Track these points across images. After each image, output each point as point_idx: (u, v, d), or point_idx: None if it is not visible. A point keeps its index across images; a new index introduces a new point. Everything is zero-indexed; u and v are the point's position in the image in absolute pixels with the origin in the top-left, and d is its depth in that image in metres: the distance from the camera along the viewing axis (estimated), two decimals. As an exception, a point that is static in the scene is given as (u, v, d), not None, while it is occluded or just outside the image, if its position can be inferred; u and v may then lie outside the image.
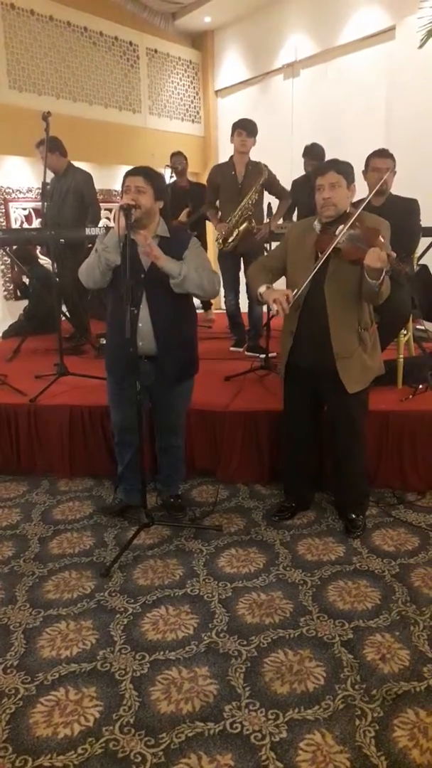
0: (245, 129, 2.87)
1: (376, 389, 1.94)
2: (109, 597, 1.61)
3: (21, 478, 2.37)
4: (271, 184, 2.95)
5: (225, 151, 3.07)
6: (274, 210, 2.80)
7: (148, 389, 1.83)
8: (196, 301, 2.02)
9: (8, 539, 1.92)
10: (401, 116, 4.00)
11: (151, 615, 1.54)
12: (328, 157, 2.58)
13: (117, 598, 1.60)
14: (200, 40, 5.61)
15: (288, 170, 3.62)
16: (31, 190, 4.59)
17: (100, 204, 3.39)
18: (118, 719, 1.21)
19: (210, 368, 2.41)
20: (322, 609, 1.55)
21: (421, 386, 2.34)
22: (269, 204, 2.80)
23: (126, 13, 4.90)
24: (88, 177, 3.18)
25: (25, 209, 4.61)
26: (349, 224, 1.60)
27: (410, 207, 2.25)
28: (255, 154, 3.03)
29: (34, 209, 4.62)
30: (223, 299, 3.32)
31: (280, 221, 3.17)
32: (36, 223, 4.58)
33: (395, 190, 2.27)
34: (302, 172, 3.52)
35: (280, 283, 1.87)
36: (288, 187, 3.20)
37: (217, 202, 3.10)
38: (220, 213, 3.08)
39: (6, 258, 4.41)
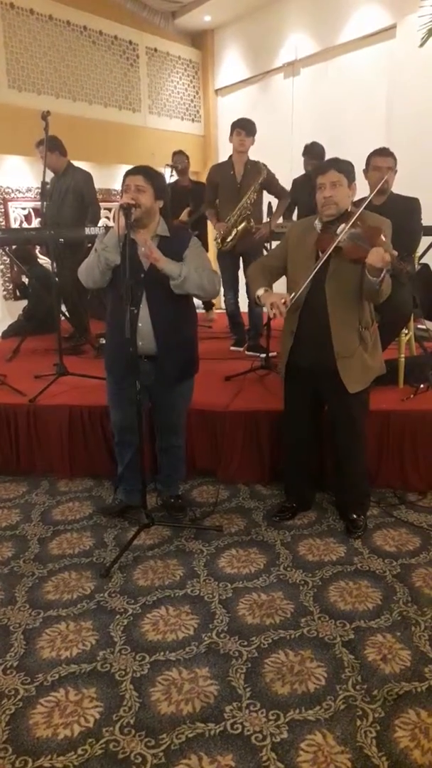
0: (244, 128, 2.87)
1: (377, 389, 1.94)
2: (109, 598, 1.61)
3: (21, 479, 2.37)
4: (270, 184, 2.95)
5: (225, 151, 3.07)
6: (275, 209, 2.80)
7: (148, 389, 1.82)
8: (198, 302, 2.02)
9: (8, 540, 1.92)
10: (402, 115, 4.00)
11: (151, 615, 1.53)
12: (328, 156, 2.56)
13: (117, 599, 1.60)
14: (200, 39, 5.60)
15: (288, 169, 3.62)
16: (30, 190, 4.59)
17: (100, 203, 3.38)
18: (119, 720, 1.20)
19: (210, 368, 2.41)
20: (323, 609, 1.55)
21: (422, 386, 2.34)
22: (269, 203, 2.80)
23: (125, 12, 4.89)
24: (87, 176, 3.18)
25: (24, 209, 4.61)
26: (351, 223, 1.59)
27: (411, 206, 2.24)
28: (255, 154, 3.03)
29: (33, 209, 4.61)
30: (222, 299, 3.31)
31: (280, 220, 3.16)
32: (35, 222, 4.57)
33: (396, 189, 2.27)
34: (302, 171, 3.52)
35: (281, 283, 1.87)
36: (288, 186, 3.20)
37: (217, 202, 3.09)
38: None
39: (5, 258, 4.40)
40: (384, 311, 1.99)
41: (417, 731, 1.17)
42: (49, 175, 3.03)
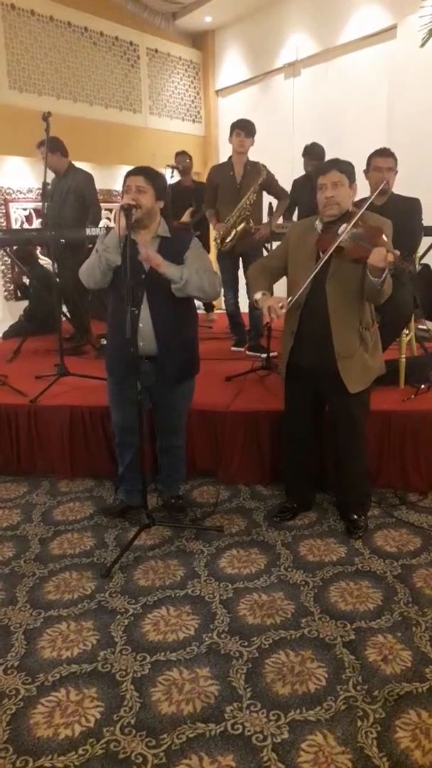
0: (243, 129, 2.88)
1: (378, 389, 1.94)
2: (109, 598, 1.61)
3: (21, 479, 2.37)
4: (270, 184, 2.95)
5: (225, 151, 3.08)
6: (275, 210, 2.80)
7: (149, 390, 1.82)
8: (198, 302, 2.02)
9: (9, 540, 1.92)
10: (402, 115, 4.00)
11: (152, 616, 1.53)
12: (328, 156, 2.57)
13: (118, 599, 1.60)
14: (201, 40, 5.61)
15: (289, 170, 3.63)
16: (31, 191, 4.60)
17: (101, 204, 3.39)
18: (119, 720, 1.21)
19: (211, 368, 2.41)
20: (323, 610, 1.54)
21: (423, 386, 2.34)
22: (270, 204, 2.80)
23: (126, 13, 4.90)
24: (88, 177, 3.18)
25: (25, 210, 4.61)
26: (352, 223, 1.59)
27: (412, 206, 2.24)
28: (256, 154, 3.03)
29: (34, 209, 4.62)
30: (222, 299, 3.32)
31: (280, 221, 3.17)
32: (36, 223, 4.58)
33: (397, 189, 2.27)
34: (303, 172, 3.52)
35: (282, 283, 1.87)
36: (288, 186, 3.20)
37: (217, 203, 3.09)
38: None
39: (6, 258, 4.41)
40: (385, 311, 1.99)
41: (418, 732, 1.16)
42: (50, 176, 3.03)
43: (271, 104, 5.10)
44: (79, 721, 1.20)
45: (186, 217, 3.76)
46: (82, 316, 3.35)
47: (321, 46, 4.52)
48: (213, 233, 3.16)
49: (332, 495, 2.12)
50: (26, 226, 4.58)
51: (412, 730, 1.17)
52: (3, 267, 4.58)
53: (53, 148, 2.97)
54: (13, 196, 4.52)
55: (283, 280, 1.85)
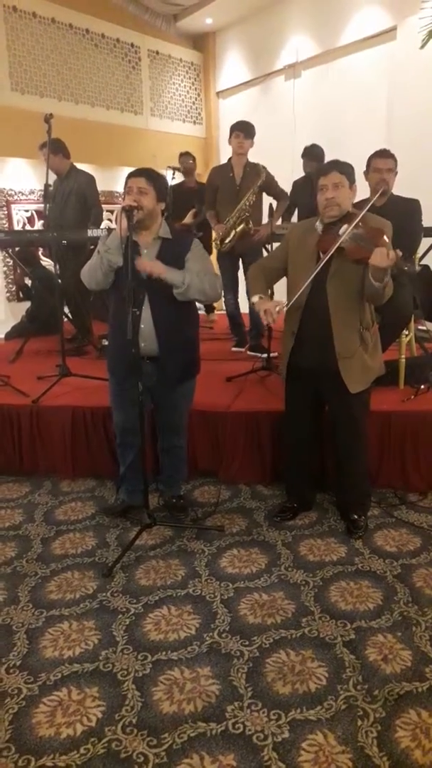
0: (242, 131, 2.89)
1: (378, 389, 1.94)
2: (111, 597, 1.62)
3: (23, 479, 2.38)
4: (269, 186, 2.97)
5: (226, 153, 3.09)
6: (275, 211, 2.81)
7: (150, 390, 1.83)
8: (199, 304, 2.04)
9: (11, 540, 1.93)
10: (402, 117, 4.00)
11: (153, 615, 1.54)
12: (328, 157, 2.58)
13: (119, 599, 1.61)
14: (201, 42, 5.62)
15: (289, 171, 3.63)
16: (33, 192, 4.61)
17: (102, 205, 3.40)
18: (121, 719, 1.21)
19: (211, 369, 2.41)
20: (324, 609, 1.55)
21: (422, 386, 2.34)
22: (270, 205, 2.81)
23: (127, 15, 4.92)
24: (90, 179, 3.19)
25: (27, 211, 4.63)
26: (354, 224, 1.60)
27: (412, 207, 2.25)
28: (257, 155, 3.04)
29: (36, 211, 4.64)
30: (222, 300, 3.32)
31: (278, 222, 3.17)
32: (38, 224, 4.59)
33: (397, 190, 2.27)
34: (303, 173, 3.52)
35: (282, 283, 1.87)
36: (288, 188, 3.21)
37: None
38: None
39: (9, 260, 4.43)
40: (384, 312, 1.99)
41: (418, 731, 1.17)
42: (52, 178, 3.05)
43: (272, 106, 5.11)
44: (81, 720, 1.21)
45: (188, 219, 3.77)
46: (84, 317, 3.36)
47: (321, 48, 4.53)
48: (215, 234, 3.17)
49: (332, 495, 2.13)
50: (28, 227, 4.59)
51: (412, 729, 1.17)
52: (5, 268, 4.60)
53: (55, 149, 2.98)
54: (15, 197, 4.53)
55: (283, 281, 1.86)
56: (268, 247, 2.96)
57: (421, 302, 2.52)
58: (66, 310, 3.25)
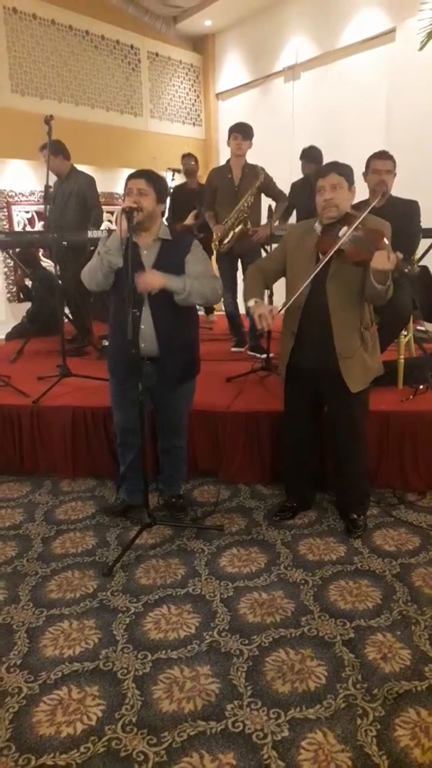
0: (240, 132, 2.91)
1: (377, 390, 1.95)
2: (111, 596, 1.62)
3: (24, 479, 2.38)
4: (268, 187, 2.98)
5: (226, 154, 3.10)
6: (274, 212, 2.82)
7: (150, 390, 1.84)
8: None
9: (11, 539, 1.93)
10: (401, 118, 4.02)
11: (153, 614, 1.54)
12: (327, 159, 2.59)
13: (119, 598, 1.61)
14: (201, 44, 5.65)
15: (288, 173, 3.65)
16: (33, 193, 4.62)
17: (102, 207, 3.41)
18: (121, 718, 1.21)
19: (211, 369, 2.42)
20: (323, 608, 1.55)
21: (421, 387, 2.35)
22: (270, 206, 2.82)
23: (127, 17, 4.94)
24: (90, 180, 3.20)
25: (27, 212, 4.64)
26: (354, 226, 1.60)
27: (411, 208, 2.26)
28: (256, 157, 3.05)
29: (36, 212, 4.65)
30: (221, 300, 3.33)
31: (276, 223, 3.19)
32: (39, 226, 4.61)
33: (396, 191, 2.28)
34: (302, 175, 3.54)
35: (281, 284, 1.88)
36: (287, 189, 3.22)
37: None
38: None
39: (9, 261, 4.44)
40: (383, 313, 2.00)
41: (417, 730, 1.17)
42: (52, 179, 3.06)
43: (271, 107, 5.12)
44: (81, 719, 1.21)
45: (190, 220, 3.78)
46: (84, 318, 3.36)
47: (321, 50, 4.55)
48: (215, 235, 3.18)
49: (332, 494, 2.13)
50: (28, 228, 4.61)
51: (412, 728, 1.18)
52: (6, 269, 4.61)
53: (56, 151, 2.99)
54: (16, 198, 4.55)
55: (282, 281, 1.86)
56: (267, 248, 2.97)
57: (420, 303, 2.52)
58: (66, 310, 3.26)
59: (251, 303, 1.75)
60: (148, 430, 1.88)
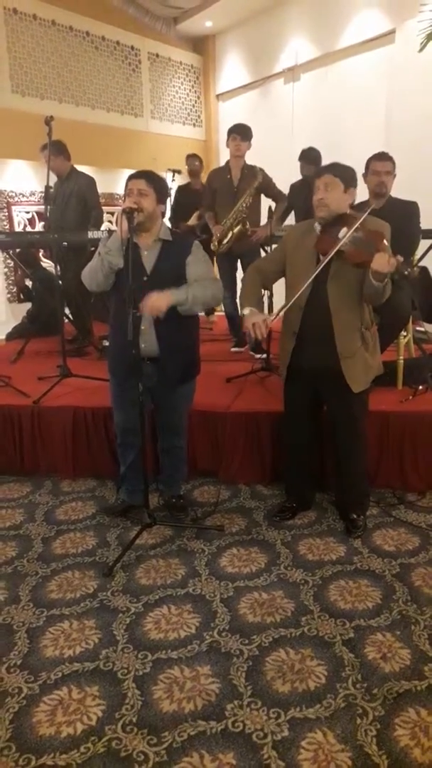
0: (239, 134, 2.93)
1: (376, 390, 1.96)
2: (111, 596, 1.62)
3: (24, 479, 2.38)
4: (267, 187, 2.99)
5: (226, 155, 3.11)
6: (274, 212, 2.83)
7: (151, 391, 1.84)
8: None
9: (12, 539, 1.93)
10: (401, 119, 4.02)
11: (153, 614, 1.54)
12: (327, 160, 2.60)
13: (119, 598, 1.61)
14: (201, 45, 5.65)
15: (287, 174, 3.65)
16: (34, 194, 4.63)
17: (103, 207, 3.42)
18: (121, 718, 1.22)
19: (211, 370, 2.43)
20: (323, 608, 1.56)
21: (421, 387, 2.36)
22: (270, 207, 2.83)
23: (128, 18, 4.95)
24: (90, 181, 3.21)
25: (28, 213, 4.65)
26: (354, 228, 1.60)
27: (410, 210, 2.27)
28: (256, 158, 3.06)
29: (37, 213, 4.65)
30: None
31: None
32: (39, 226, 4.61)
33: (395, 193, 2.29)
34: (301, 176, 3.54)
35: (281, 284, 1.88)
36: (286, 190, 3.23)
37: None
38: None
39: (9, 261, 4.44)
40: (383, 313, 2.00)
41: (417, 730, 1.17)
42: (53, 179, 3.06)
43: (271, 109, 5.13)
44: (81, 719, 1.21)
45: (193, 220, 3.79)
46: (84, 318, 3.37)
47: (320, 51, 4.55)
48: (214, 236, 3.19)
49: (332, 494, 2.13)
50: (29, 229, 4.61)
51: (411, 728, 1.18)
52: (6, 270, 4.61)
53: (57, 151, 3.01)
54: (16, 199, 4.55)
55: (282, 281, 1.87)
56: (267, 248, 2.97)
57: (419, 304, 2.53)
58: (67, 311, 3.26)
59: (246, 311, 1.76)
60: (148, 431, 1.88)
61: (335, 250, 1.61)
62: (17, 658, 1.39)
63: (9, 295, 4.61)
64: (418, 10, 3.42)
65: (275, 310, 1.74)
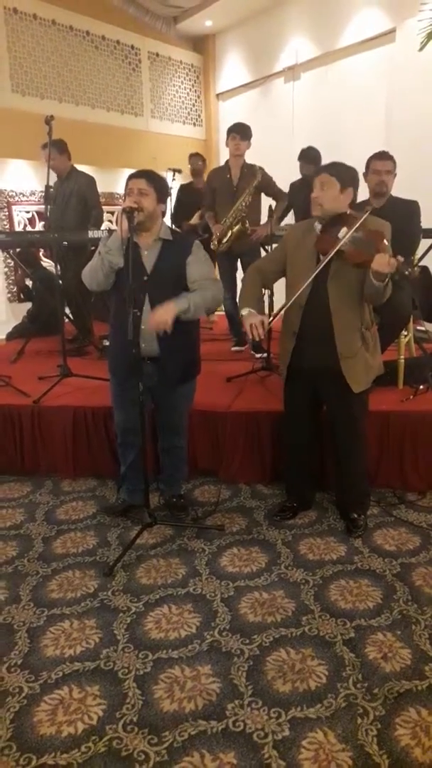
0: (238, 133, 2.93)
1: (377, 390, 1.96)
2: (112, 596, 1.62)
3: (25, 479, 2.39)
4: (267, 186, 2.99)
5: (226, 154, 3.11)
6: (274, 211, 2.83)
7: (151, 390, 1.84)
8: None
9: (12, 539, 1.93)
10: (401, 118, 4.02)
11: (154, 614, 1.55)
12: (327, 159, 2.60)
13: (120, 597, 1.61)
14: (201, 44, 5.65)
15: (287, 173, 3.65)
16: (34, 193, 4.63)
17: (103, 207, 3.42)
18: (122, 717, 1.22)
19: (212, 369, 2.43)
20: (323, 608, 1.56)
21: (421, 387, 2.35)
22: (270, 206, 2.83)
23: (128, 17, 4.94)
24: (90, 180, 3.21)
25: (28, 212, 4.65)
26: (354, 228, 1.60)
27: (411, 209, 2.26)
28: (256, 157, 3.06)
29: (37, 212, 4.65)
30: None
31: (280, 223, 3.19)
32: (39, 226, 4.61)
33: (396, 192, 2.29)
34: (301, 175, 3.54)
35: (280, 284, 1.88)
36: (286, 189, 3.23)
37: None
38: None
39: (10, 261, 4.44)
40: (383, 313, 2.00)
41: (418, 729, 1.17)
42: (53, 179, 3.06)
43: (271, 108, 5.13)
44: (82, 718, 1.21)
45: (195, 219, 3.79)
46: (85, 318, 3.37)
47: (321, 50, 4.55)
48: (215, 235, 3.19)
49: (332, 494, 2.13)
50: (29, 228, 4.61)
51: (412, 727, 1.18)
52: (6, 269, 4.61)
53: (60, 149, 3.02)
54: (16, 198, 4.55)
55: (283, 280, 1.86)
56: (268, 248, 2.97)
57: (420, 303, 2.53)
58: (67, 310, 3.26)
59: (244, 312, 1.75)
60: (148, 430, 1.88)
61: (335, 250, 1.61)
62: (18, 657, 1.39)
63: (9, 295, 4.61)
64: (418, 9, 3.41)
65: (275, 309, 1.74)
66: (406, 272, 1.48)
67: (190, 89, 5.72)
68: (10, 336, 3.76)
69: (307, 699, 1.25)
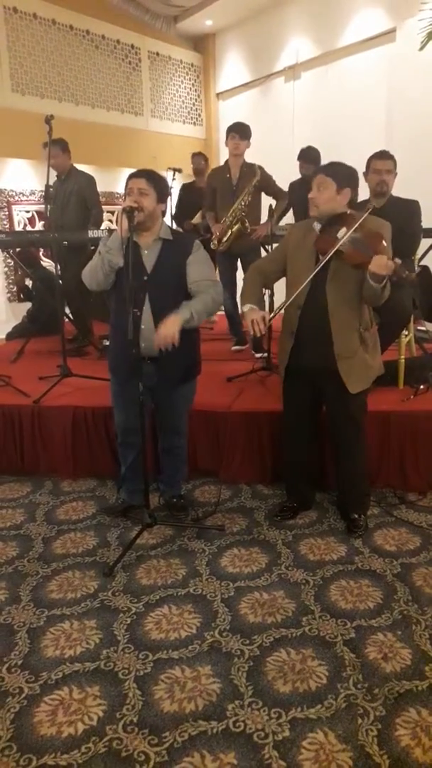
0: (238, 132, 2.93)
1: (377, 389, 1.96)
2: (112, 596, 1.62)
3: (25, 479, 2.38)
4: (267, 185, 2.99)
5: (226, 154, 3.11)
6: (274, 210, 2.82)
7: (151, 390, 1.83)
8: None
9: (12, 539, 1.93)
10: (402, 118, 4.02)
11: (154, 614, 1.54)
12: (327, 159, 2.59)
13: (120, 598, 1.61)
14: (202, 43, 5.65)
15: (288, 173, 3.64)
16: (34, 193, 4.62)
17: (103, 206, 3.41)
18: (122, 718, 1.22)
19: (212, 369, 2.42)
20: (324, 608, 1.56)
21: (422, 386, 2.35)
22: (270, 206, 2.82)
23: (128, 17, 4.94)
24: (90, 180, 3.21)
25: (28, 212, 4.64)
26: (353, 228, 1.60)
27: (411, 208, 2.26)
28: (256, 156, 3.06)
29: (37, 212, 4.65)
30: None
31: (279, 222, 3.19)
32: (39, 225, 4.61)
33: (396, 191, 2.28)
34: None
35: (281, 284, 1.88)
36: (286, 189, 3.22)
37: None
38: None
39: (9, 260, 4.44)
40: (383, 313, 2.00)
41: (418, 730, 1.17)
42: (53, 179, 3.06)
43: (272, 107, 5.12)
44: (82, 719, 1.21)
45: (197, 219, 3.79)
46: (85, 318, 3.37)
47: (321, 50, 4.55)
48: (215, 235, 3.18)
49: (332, 494, 2.13)
50: (29, 228, 4.61)
51: (413, 728, 1.18)
52: (6, 269, 4.61)
53: (61, 148, 3.02)
54: (16, 198, 4.55)
55: (283, 280, 1.86)
56: (268, 247, 2.97)
57: (420, 303, 2.53)
58: (67, 310, 3.26)
59: (245, 308, 1.75)
60: (148, 430, 1.88)
61: (334, 250, 1.61)
62: (18, 658, 1.39)
63: (9, 295, 4.61)
64: (418, 8, 3.41)
65: (275, 308, 1.74)
66: (404, 274, 1.47)
67: (190, 89, 5.71)
68: (10, 336, 3.76)
69: (308, 699, 1.25)
